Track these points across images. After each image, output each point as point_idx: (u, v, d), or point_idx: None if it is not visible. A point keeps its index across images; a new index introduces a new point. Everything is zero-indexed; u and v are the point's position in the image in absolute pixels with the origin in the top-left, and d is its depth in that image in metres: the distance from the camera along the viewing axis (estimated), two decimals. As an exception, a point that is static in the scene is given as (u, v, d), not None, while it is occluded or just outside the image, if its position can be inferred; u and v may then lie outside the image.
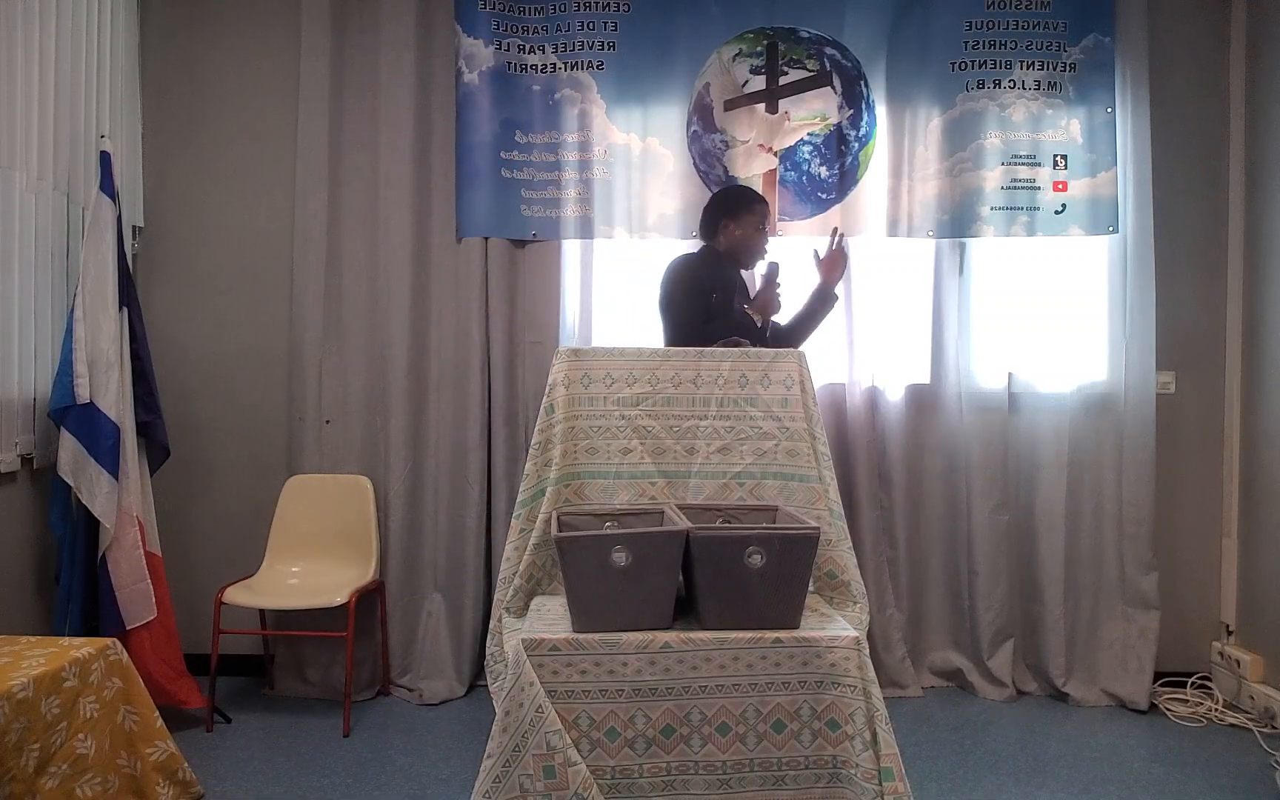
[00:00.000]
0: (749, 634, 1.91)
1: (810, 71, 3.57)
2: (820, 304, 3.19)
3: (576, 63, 3.58)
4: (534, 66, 3.59)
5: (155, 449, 3.28)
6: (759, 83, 3.58)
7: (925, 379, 3.63)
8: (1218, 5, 3.59)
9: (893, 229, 3.57)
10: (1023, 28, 3.55)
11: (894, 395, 3.59)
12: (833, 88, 3.56)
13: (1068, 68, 3.55)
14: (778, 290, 3.01)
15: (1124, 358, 3.50)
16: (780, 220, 3.56)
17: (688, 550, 1.94)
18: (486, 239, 3.57)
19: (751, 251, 3.13)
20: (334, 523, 3.48)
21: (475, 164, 3.57)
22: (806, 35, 3.57)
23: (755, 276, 3.18)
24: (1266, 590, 3.35)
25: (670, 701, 1.89)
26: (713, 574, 1.92)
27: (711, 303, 3.02)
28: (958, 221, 3.56)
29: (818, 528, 2.01)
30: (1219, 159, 3.60)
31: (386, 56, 3.56)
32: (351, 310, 3.59)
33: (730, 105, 3.58)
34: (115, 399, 3.01)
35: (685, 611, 2.02)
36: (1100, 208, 3.54)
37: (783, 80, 3.58)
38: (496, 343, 3.54)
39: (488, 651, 2.30)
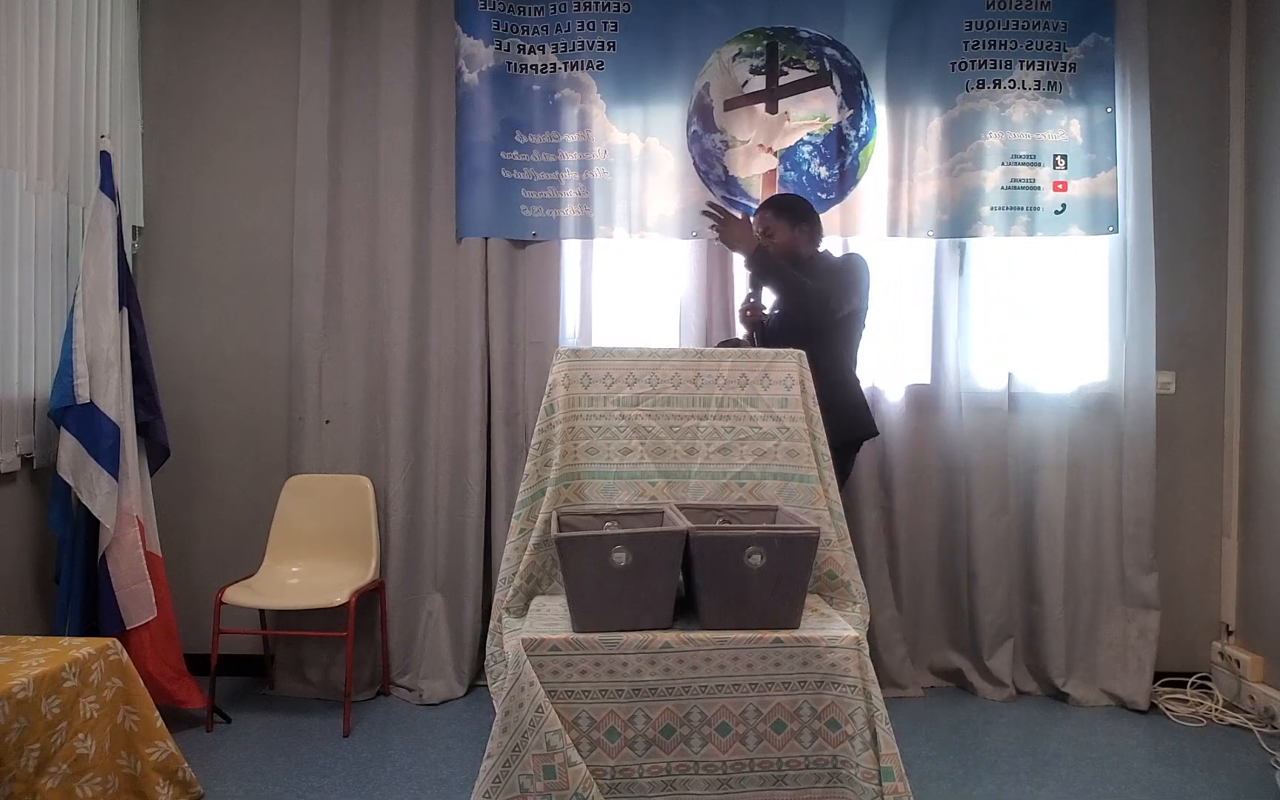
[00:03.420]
0: (749, 634, 1.90)
1: (810, 71, 3.57)
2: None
3: (576, 63, 3.58)
4: (534, 66, 3.59)
5: (155, 449, 3.28)
6: (759, 83, 3.58)
7: (925, 379, 3.63)
8: (1218, 5, 3.59)
9: (893, 229, 3.57)
10: (1023, 28, 3.55)
11: (894, 395, 3.59)
12: (833, 88, 3.56)
13: (1068, 68, 3.55)
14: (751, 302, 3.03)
15: (1124, 358, 3.50)
16: (780, 220, 3.56)
17: (688, 550, 1.94)
18: (486, 239, 3.57)
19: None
20: (334, 523, 3.48)
21: (475, 164, 3.57)
22: (806, 35, 3.57)
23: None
24: (1266, 590, 3.35)
25: (670, 701, 1.89)
26: (713, 574, 1.92)
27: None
28: (958, 221, 3.56)
29: (818, 528, 2.00)
30: (1219, 159, 3.60)
31: (386, 56, 3.56)
32: (351, 310, 3.59)
33: (730, 105, 3.58)
34: (115, 399, 3.01)
35: (685, 611, 2.02)
36: (1100, 208, 3.54)
37: (783, 80, 3.58)
38: (496, 343, 3.54)
39: (488, 651, 2.30)
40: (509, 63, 3.58)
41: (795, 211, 3.10)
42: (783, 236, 3.05)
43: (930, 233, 3.57)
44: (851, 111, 3.57)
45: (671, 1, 3.56)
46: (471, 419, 3.52)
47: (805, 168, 3.57)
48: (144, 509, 3.16)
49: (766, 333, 3.05)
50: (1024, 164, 3.56)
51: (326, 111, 3.55)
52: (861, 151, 3.58)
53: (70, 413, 2.95)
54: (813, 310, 2.87)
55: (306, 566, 3.44)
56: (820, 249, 3.18)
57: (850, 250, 3.34)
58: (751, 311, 3.05)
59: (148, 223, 3.62)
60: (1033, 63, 3.55)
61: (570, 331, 3.62)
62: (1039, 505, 3.55)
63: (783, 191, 3.44)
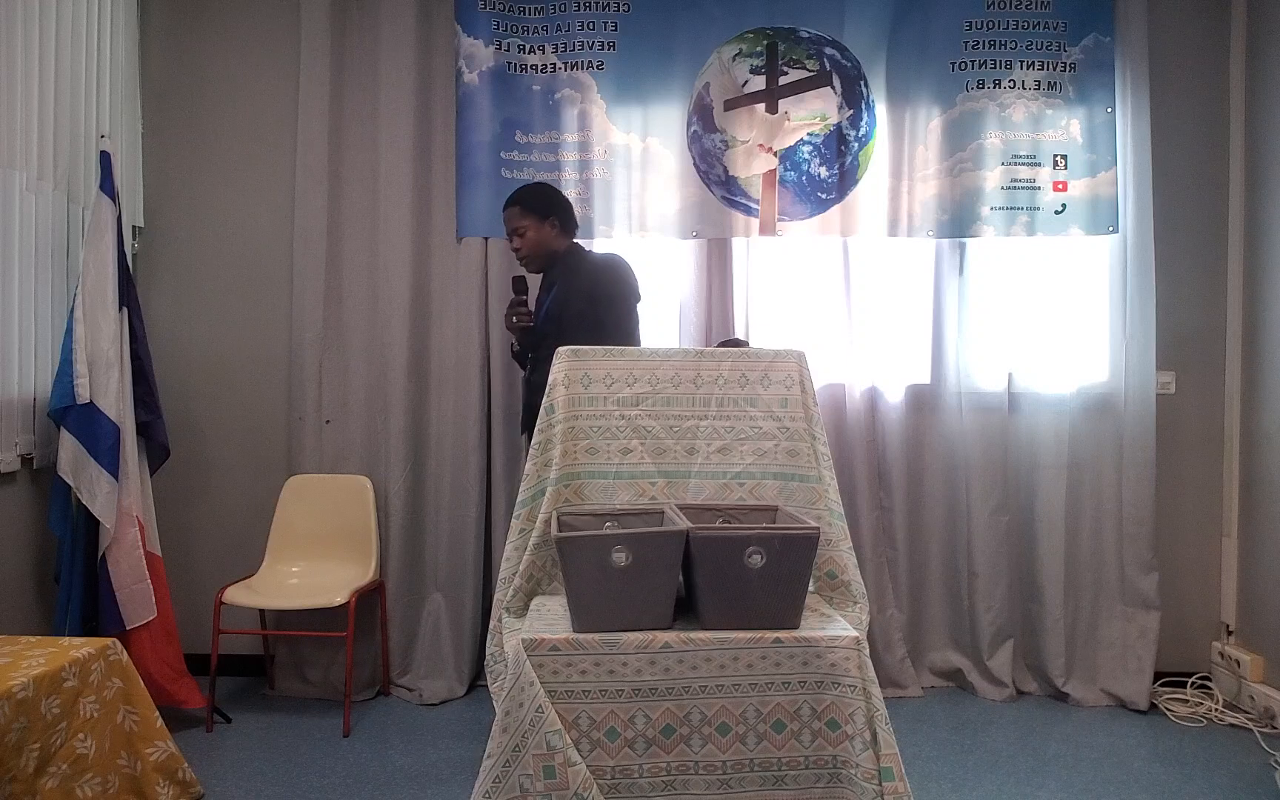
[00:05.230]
0: (749, 634, 1.90)
1: (810, 71, 3.57)
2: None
3: (576, 63, 3.58)
4: (534, 66, 3.59)
5: (155, 449, 3.28)
6: (759, 83, 3.58)
7: (925, 379, 3.63)
8: (1218, 5, 3.59)
9: (893, 229, 3.57)
10: (1023, 28, 3.55)
11: (894, 396, 3.59)
12: (832, 88, 3.56)
13: (1068, 68, 3.55)
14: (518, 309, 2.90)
15: (1124, 358, 3.50)
16: (780, 220, 3.56)
17: (688, 550, 1.93)
18: (486, 239, 3.57)
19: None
20: (334, 523, 3.48)
21: (475, 164, 3.57)
22: (806, 35, 3.57)
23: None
24: (1266, 590, 3.35)
25: (670, 701, 1.89)
26: (713, 574, 1.92)
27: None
28: (958, 221, 3.56)
29: (818, 528, 2.00)
30: (1219, 159, 3.60)
31: (386, 56, 3.56)
32: (351, 310, 3.59)
33: (730, 105, 3.58)
34: (115, 399, 3.01)
35: (685, 611, 2.02)
36: (1100, 208, 3.54)
37: (783, 80, 3.58)
38: (496, 343, 3.54)
39: (488, 651, 2.30)
40: (509, 63, 3.58)
41: (542, 204, 2.98)
42: (533, 233, 2.96)
43: (930, 233, 3.57)
44: (851, 111, 3.57)
45: (671, 1, 3.56)
46: (471, 419, 3.52)
47: (805, 168, 3.57)
48: (144, 509, 3.16)
49: (535, 337, 2.93)
50: (1024, 164, 3.56)
51: (327, 111, 3.55)
52: (861, 151, 3.58)
53: (70, 413, 2.95)
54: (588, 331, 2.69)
55: (306, 566, 3.44)
56: (575, 241, 3.07)
57: (610, 253, 3.14)
58: (518, 318, 2.92)
59: (148, 223, 3.62)
60: (1033, 63, 3.55)
61: (570, 331, 3.62)
62: (1039, 505, 3.55)
63: (526, 183, 3.23)
